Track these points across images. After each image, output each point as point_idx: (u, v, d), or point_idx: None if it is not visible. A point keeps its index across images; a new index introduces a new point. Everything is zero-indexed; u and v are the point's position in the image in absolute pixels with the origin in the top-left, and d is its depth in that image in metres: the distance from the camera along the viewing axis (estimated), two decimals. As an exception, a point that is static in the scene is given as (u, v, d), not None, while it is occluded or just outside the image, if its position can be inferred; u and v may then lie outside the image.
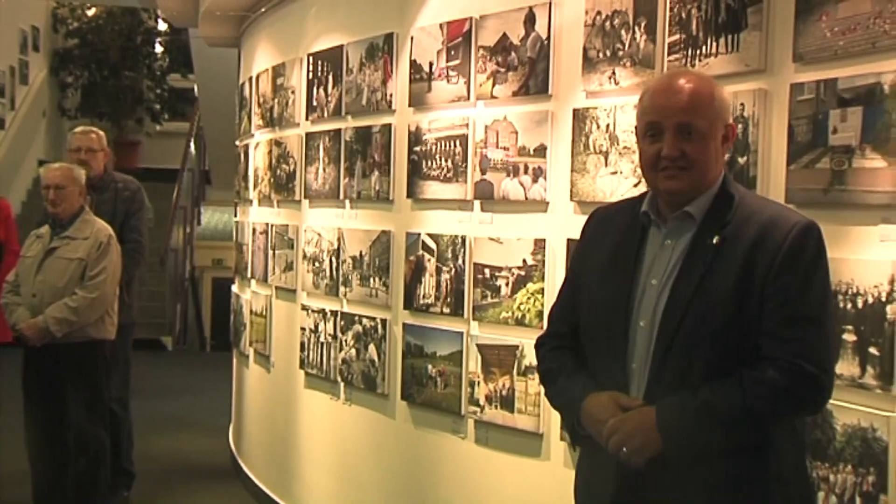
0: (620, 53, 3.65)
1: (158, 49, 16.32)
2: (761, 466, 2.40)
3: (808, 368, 2.33)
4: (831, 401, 2.83)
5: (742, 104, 3.15)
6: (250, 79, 6.79)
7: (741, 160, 3.14)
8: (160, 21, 15.22)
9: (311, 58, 5.61)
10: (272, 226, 6.16)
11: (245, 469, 6.80)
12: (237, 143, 7.35)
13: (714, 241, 2.43)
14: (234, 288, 7.32)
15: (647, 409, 2.43)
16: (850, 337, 2.83)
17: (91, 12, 15.62)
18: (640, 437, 2.41)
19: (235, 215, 7.66)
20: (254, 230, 6.56)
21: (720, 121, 2.51)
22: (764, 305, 2.36)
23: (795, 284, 2.36)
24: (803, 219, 2.43)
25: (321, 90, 5.47)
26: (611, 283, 2.58)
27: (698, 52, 3.34)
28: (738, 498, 2.41)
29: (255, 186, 6.56)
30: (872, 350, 2.78)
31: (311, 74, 5.61)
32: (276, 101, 6.14)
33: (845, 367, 2.84)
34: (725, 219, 2.45)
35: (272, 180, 6.16)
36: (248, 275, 6.67)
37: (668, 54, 3.46)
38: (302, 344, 5.63)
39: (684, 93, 2.49)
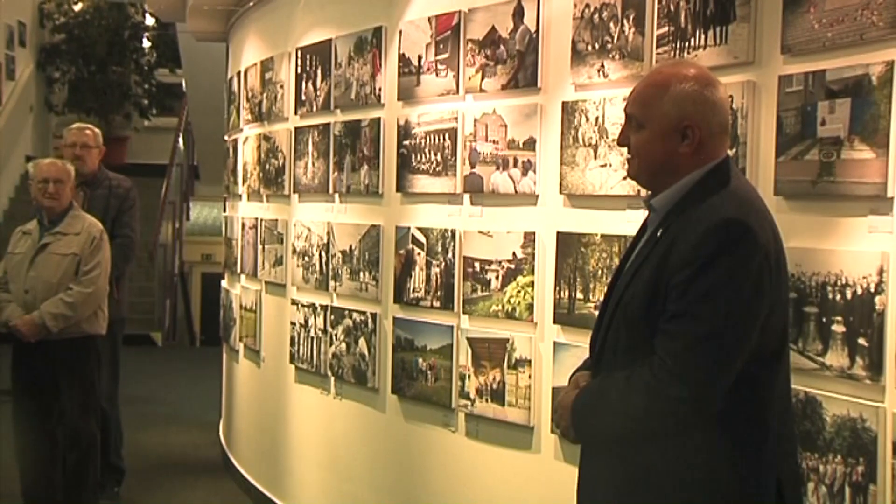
0: (609, 46, 3.65)
1: (146, 44, 16.26)
2: (667, 458, 2.39)
3: (670, 365, 2.31)
4: (820, 391, 2.86)
5: (731, 96, 3.15)
6: (238, 73, 6.78)
7: (730, 152, 3.14)
8: (147, 16, 15.17)
9: (299, 52, 5.60)
10: (261, 220, 6.15)
11: (235, 464, 6.80)
12: (226, 137, 7.34)
13: (658, 234, 2.47)
14: (224, 283, 7.31)
15: (574, 392, 2.57)
16: (839, 328, 2.84)
17: (78, 7, 15.56)
18: (566, 417, 2.56)
19: (224, 210, 7.65)
20: (243, 225, 6.55)
21: (669, 117, 2.47)
22: (667, 299, 2.37)
23: (689, 279, 2.32)
24: (730, 216, 2.36)
25: (310, 84, 5.47)
26: (615, 274, 2.69)
27: (686, 44, 3.34)
28: (645, 487, 2.42)
29: (244, 181, 6.55)
30: (861, 341, 2.79)
31: (299, 69, 5.61)
32: (264, 95, 6.13)
33: (835, 357, 2.85)
34: (680, 213, 2.44)
35: (261, 175, 6.15)
36: (238, 270, 6.67)
37: (657, 47, 3.47)
38: (292, 338, 5.63)
39: (641, 83, 2.56)
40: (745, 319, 2.33)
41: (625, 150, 2.61)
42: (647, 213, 2.63)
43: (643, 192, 2.82)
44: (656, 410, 2.36)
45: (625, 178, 3.50)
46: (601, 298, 2.78)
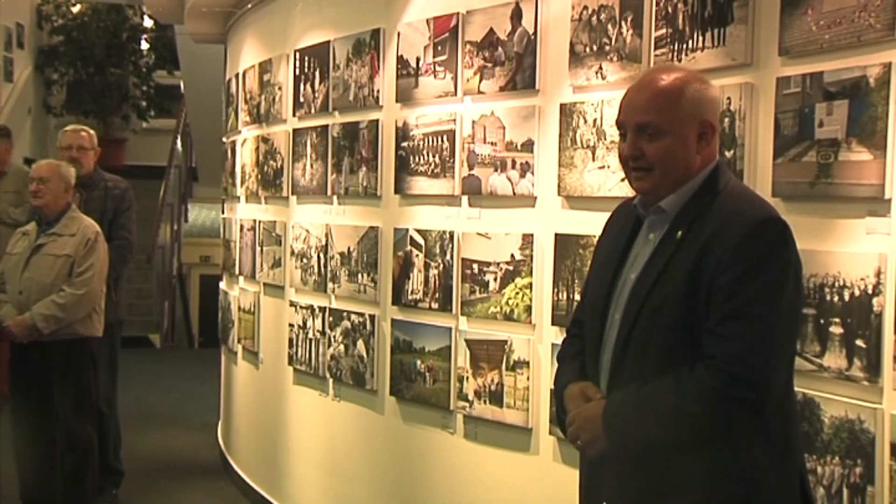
0: (607, 48, 3.66)
1: (144, 46, 16.24)
2: (713, 465, 2.35)
3: (736, 368, 2.27)
4: (818, 393, 2.87)
5: (728, 98, 3.17)
6: (237, 75, 6.78)
7: (728, 154, 3.15)
8: (146, 17, 15.15)
9: (297, 54, 5.61)
10: (260, 222, 6.15)
11: (234, 466, 6.80)
12: (224, 139, 7.34)
13: (678, 236, 2.43)
14: (222, 285, 7.31)
15: (600, 402, 2.47)
16: (836, 329, 2.85)
17: (76, 9, 15.54)
18: (591, 429, 2.45)
19: (223, 212, 7.65)
20: (241, 227, 6.55)
21: (690, 119, 2.45)
22: (710, 301, 2.33)
23: (739, 279, 2.30)
24: (765, 214, 2.37)
25: (308, 86, 5.47)
26: (600, 277, 2.61)
27: (684, 46, 3.35)
28: (688, 497, 2.37)
29: (242, 183, 6.55)
30: (859, 342, 2.80)
31: (297, 70, 5.61)
32: (262, 97, 6.13)
33: (832, 359, 2.85)
34: (696, 214, 2.42)
35: (259, 177, 6.15)
36: (236, 271, 6.67)
37: (655, 48, 3.47)
38: (290, 340, 5.63)
39: (646, 92, 2.48)
40: (795, 316, 2.40)
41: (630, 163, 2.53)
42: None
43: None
44: (718, 414, 2.30)
45: (623, 180, 3.49)
46: (589, 298, 2.67)
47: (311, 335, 5.40)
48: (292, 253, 5.63)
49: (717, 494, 2.35)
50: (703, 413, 2.30)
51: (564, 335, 2.84)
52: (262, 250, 6.11)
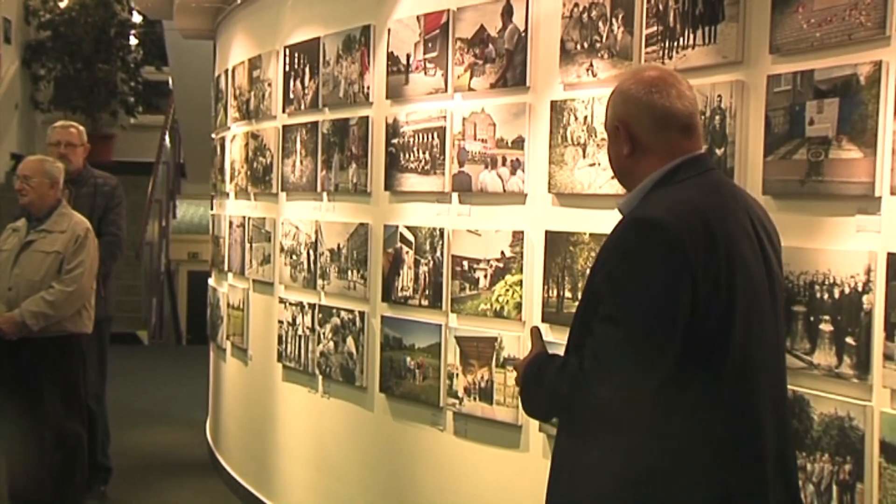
0: (598, 45, 3.66)
1: (133, 41, 16.20)
2: (580, 452, 2.44)
3: (587, 363, 2.32)
4: (808, 390, 2.88)
5: (719, 96, 3.17)
6: (226, 71, 6.77)
7: (719, 151, 3.16)
8: (134, 13, 15.11)
9: (287, 50, 5.60)
10: (249, 219, 6.14)
11: (223, 462, 6.79)
12: (213, 135, 7.33)
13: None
14: (211, 281, 7.30)
15: (530, 357, 2.60)
16: (826, 327, 2.86)
17: (64, 4, 15.49)
18: (518, 379, 2.62)
19: (212, 208, 7.64)
20: (230, 223, 6.54)
21: (608, 119, 2.57)
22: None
23: (601, 282, 2.37)
24: (644, 215, 2.36)
25: (298, 83, 5.46)
26: None
27: (675, 43, 3.35)
28: (579, 481, 2.44)
29: (231, 179, 6.54)
30: (849, 340, 2.81)
31: (287, 67, 5.60)
32: (252, 93, 6.12)
33: (822, 356, 2.87)
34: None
35: (249, 173, 6.14)
36: (225, 268, 6.66)
37: (646, 46, 3.47)
38: (279, 337, 5.63)
39: None
40: (656, 319, 2.28)
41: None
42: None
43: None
44: (577, 401, 2.37)
45: (613, 178, 3.50)
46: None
47: (300, 332, 5.40)
48: (282, 249, 5.62)
49: (607, 489, 2.38)
50: (570, 395, 2.37)
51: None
52: (251, 247, 6.10)
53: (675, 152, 2.48)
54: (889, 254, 2.73)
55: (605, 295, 2.34)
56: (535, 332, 2.69)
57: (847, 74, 2.83)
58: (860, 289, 2.78)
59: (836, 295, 2.84)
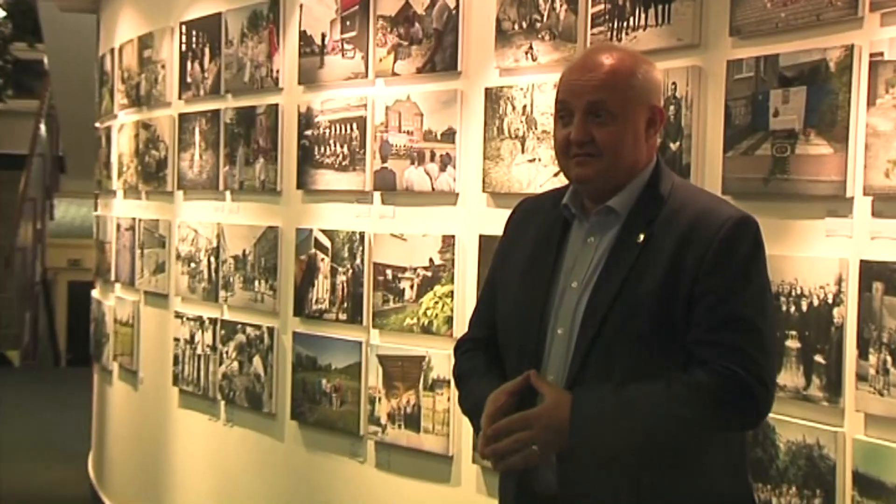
0: (538, 25, 3.69)
1: (0, 14, 16.00)
2: (687, 480, 2.41)
3: (740, 375, 2.32)
4: (773, 415, 2.91)
5: (674, 83, 3.21)
6: (112, 50, 6.72)
7: (673, 146, 3.20)
8: (1, -21, 14.95)
9: (184, 27, 5.57)
10: (140, 221, 6.10)
11: (107, 502, 6.73)
12: (97, 124, 7.27)
13: (639, 239, 2.44)
14: (95, 293, 7.24)
15: (560, 402, 2.40)
16: (793, 343, 2.90)
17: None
18: (553, 432, 2.39)
19: (96, 209, 7.57)
20: (118, 226, 6.49)
21: (641, 103, 2.48)
22: (694, 307, 2.37)
23: (729, 284, 2.36)
24: (737, 212, 2.44)
25: (196, 65, 5.44)
26: (527, 286, 2.59)
27: (625, 24, 3.39)
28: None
29: (119, 175, 6.49)
30: (818, 358, 2.85)
31: (184, 46, 5.57)
32: (143, 76, 6.08)
33: (788, 377, 2.90)
34: (653, 214, 2.45)
35: (139, 168, 6.10)
36: (112, 278, 6.61)
37: (592, 27, 3.50)
38: (176, 357, 5.59)
39: (599, 70, 2.48)
40: (772, 317, 2.49)
41: (571, 148, 2.50)
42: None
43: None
44: (712, 422, 2.38)
45: (556, 175, 3.53)
46: (512, 311, 2.63)
47: (199, 351, 5.37)
48: (178, 256, 5.59)
49: None
50: (699, 420, 2.35)
51: (458, 350, 2.79)
52: (142, 253, 6.06)
53: (656, 147, 2.59)
54: (862, 261, 2.78)
55: (739, 302, 2.37)
56: (537, 377, 2.50)
57: (815, 60, 2.87)
58: (830, 300, 2.83)
59: (804, 307, 2.88)
